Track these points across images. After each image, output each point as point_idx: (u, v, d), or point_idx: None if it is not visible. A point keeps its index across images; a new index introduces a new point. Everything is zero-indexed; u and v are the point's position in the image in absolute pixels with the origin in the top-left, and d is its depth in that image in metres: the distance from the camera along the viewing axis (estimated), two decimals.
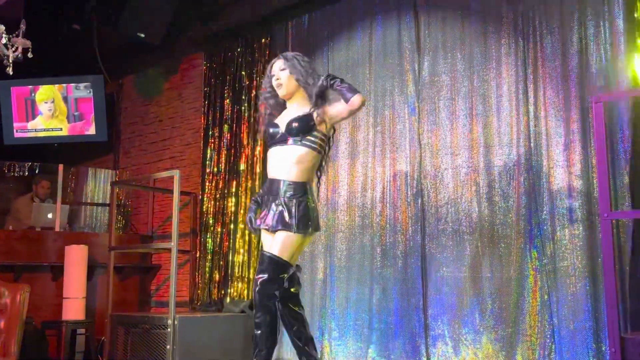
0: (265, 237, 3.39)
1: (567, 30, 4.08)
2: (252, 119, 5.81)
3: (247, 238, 5.66)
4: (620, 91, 3.78)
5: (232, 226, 5.77)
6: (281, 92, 3.44)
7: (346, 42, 5.22)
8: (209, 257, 5.90)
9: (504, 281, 4.15)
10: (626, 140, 3.77)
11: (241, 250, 5.67)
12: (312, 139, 3.33)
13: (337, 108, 3.35)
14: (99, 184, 7.09)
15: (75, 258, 5.46)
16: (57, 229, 6.17)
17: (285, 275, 3.24)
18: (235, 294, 5.65)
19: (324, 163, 3.48)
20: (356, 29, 5.17)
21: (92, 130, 6.93)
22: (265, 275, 3.22)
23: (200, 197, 6.11)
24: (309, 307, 5.09)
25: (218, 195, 5.95)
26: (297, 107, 3.42)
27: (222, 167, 5.96)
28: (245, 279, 5.61)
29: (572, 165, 3.99)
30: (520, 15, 4.29)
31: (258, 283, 3.22)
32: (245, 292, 5.59)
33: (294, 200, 3.26)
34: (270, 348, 3.28)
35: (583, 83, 4.00)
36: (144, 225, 6.79)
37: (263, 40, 5.83)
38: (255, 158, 5.73)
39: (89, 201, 7.00)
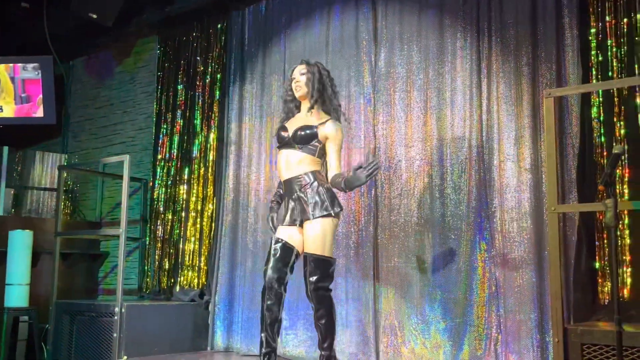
0: (283, 229, 3.67)
1: (521, 26, 4.13)
2: (205, 105, 5.73)
3: (198, 226, 5.59)
4: (570, 86, 3.85)
5: (183, 214, 5.69)
6: (297, 94, 3.78)
7: (303, 31, 5.19)
8: (159, 244, 5.81)
9: (454, 272, 4.20)
10: (575, 136, 3.85)
11: (192, 239, 5.60)
12: (311, 147, 3.67)
13: (331, 154, 3.69)
14: (46, 168, 6.87)
15: (20, 243, 5.29)
16: (0, 213, 5.98)
17: (333, 268, 3.60)
18: (185, 282, 5.58)
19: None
20: (314, 17, 5.14)
21: (39, 113, 6.70)
22: (317, 276, 3.52)
23: (151, 183, 6.00)
24: (259, 297, 5.05)
25: (170, 182, 5.86)
26: (308, 111, 3.74)
27: (175, 154, 5.87)
28: (196, 268, 5.54)
29: (522, 159, 4.05)
30: (476, 9, 4.33)
31: (312, 283, 3.52)
32: (196, 280, 5.53)
33: (309, 189, 3.59)
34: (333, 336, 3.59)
35: (535, 78, 4.06)
36: (92, 212, 6.65)
37: (219, 25, 5.75)
38: (208, 145, 5.65)
39: (35, 185, 6.79)
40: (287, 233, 3.65)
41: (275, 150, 5.11)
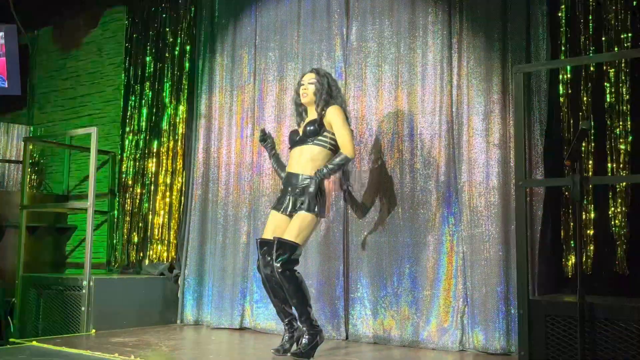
0: (272, 220, 3.87)
1: (492, 2, 4.13)
2: (175, 78, 5.65)
3: (167, 200, 5.55)
4: (539, 62, 3.87)
5: (152, 187, 5.63)
6: (304, 100, 3.98)
7: (275, 3, 5.12)
8: (128, 218, 5.76)
9: (422, 246, 4.25)
10: (542, 111, 3.89)
11: (161, 212, 5.56)
12: (323, 138, 3.84)
13: (337, 133, 3.83)
14: (11, 140, 6.73)
15: None
16: None
17: (298, 254, 3.70)
18: (154, 256, 5.54)
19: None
20: None
21: (4, 83, 6.56)
22: (283, 258, 3.63)
23: (119, 156, 5.92)
24: (232, 270, 5.07)
25: (138, 155, 5.79)
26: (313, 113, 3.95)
27: (143, 126, 5.79)
28: (165, 242, 5.51)
29: (491, 134, 4.08)
30: None
31: (275, 264, 3.62)
32: (165, 254, 5.50)
33: (306, 189, 3.74)
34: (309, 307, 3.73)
35: (505, 54, 4.08)
36: (59, 184, 6.55)
37: None
38: (178, 118, 5.59)
39: (0, 157, 6.65)
40: (269, 231, 3.84)
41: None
